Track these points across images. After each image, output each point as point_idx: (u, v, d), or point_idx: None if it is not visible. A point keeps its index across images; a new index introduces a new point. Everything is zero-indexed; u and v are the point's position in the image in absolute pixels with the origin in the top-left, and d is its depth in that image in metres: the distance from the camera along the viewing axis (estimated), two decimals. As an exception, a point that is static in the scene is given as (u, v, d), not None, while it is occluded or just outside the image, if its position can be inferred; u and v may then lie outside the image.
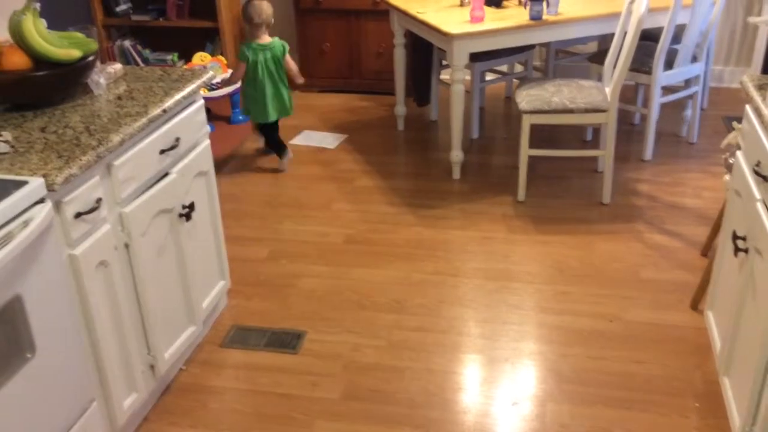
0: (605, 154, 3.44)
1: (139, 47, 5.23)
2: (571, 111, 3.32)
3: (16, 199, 1.60)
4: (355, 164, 3.97)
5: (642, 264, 3.01)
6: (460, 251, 3.15)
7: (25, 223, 1.61)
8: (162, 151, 2.17)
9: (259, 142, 4.19)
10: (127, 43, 5.18)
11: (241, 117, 4.57)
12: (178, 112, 2.28)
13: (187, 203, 2.31)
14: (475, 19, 3.45)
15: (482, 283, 2.92)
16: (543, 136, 4.08)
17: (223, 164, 3.98)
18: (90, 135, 1.93)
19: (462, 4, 3.73)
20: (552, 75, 4.55)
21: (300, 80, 4.02)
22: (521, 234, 3.26)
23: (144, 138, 2.09)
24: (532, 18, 3.46)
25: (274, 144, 3.98)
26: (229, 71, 4.48)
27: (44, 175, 1.70)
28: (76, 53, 2.10)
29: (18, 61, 2.04)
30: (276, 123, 3.93)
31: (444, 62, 4.28)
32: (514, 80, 4.67)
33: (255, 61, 3.75)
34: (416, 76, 4.41)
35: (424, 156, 4.09)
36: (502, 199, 3.57)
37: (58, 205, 1.76)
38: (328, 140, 4.26)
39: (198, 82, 2.35)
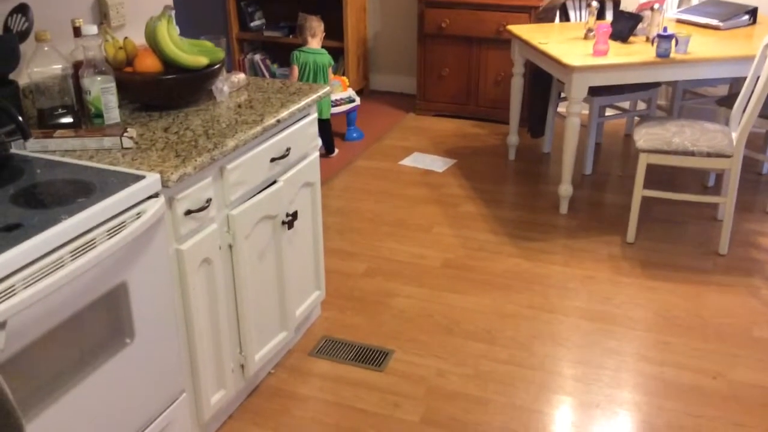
0: (726, 202, 3.26)
1: (268, 61, 5.49)
2: (692, 154, 3.17)
3: (133, 191, 1.71)
4: (462, 190, 3.96)
5: (756, 322, 2.82)
6: (559, 287, 3.06)
7: (138, 215, 1.71)
8: (272, 159, 2.25)
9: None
10: (257, 57, 5.44)
11: (355, 135, 4.68)
12: (292, 124, 2.36)
13: (291, 212, 2.38)
14: (597, 53, 3.38)
15: (579, 323, 2.83)
16: (662, 177, 3.92)
17: (334, 178, 4.08)
18: (208, 138, 2.03)
19: (586, 37, 3.66)
20: (677, 115, 4.36)
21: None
22: (627, 277, 3.13)
23: (257, 145, 2.18)
24: (659, 55, 3.34)
25: (325, 141, 4.32)
26: (349, 89, 4.62)
27: (161, 172, 1.80)
28: (203, 60, 2.21)
29: (150, 64, 2.17)
30: (326, 122, 4.24)
31: (562, 95, 4.21)
32: (636, 118, 4.53)
33: (303, 62, 4.25)
34: (532, 107, 4.36)
35: (533, 188, 4.02)
36: (610, 238, 3.45)
37: (170, 201, 1.86)
38: (438, 164, 4.28)
39: (313, 96, 2.42)
